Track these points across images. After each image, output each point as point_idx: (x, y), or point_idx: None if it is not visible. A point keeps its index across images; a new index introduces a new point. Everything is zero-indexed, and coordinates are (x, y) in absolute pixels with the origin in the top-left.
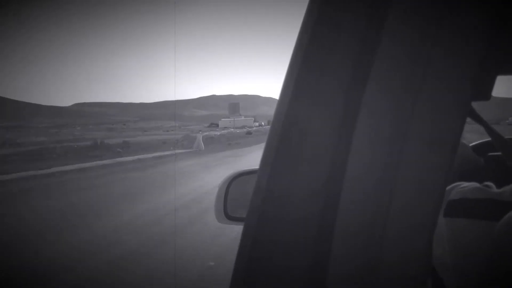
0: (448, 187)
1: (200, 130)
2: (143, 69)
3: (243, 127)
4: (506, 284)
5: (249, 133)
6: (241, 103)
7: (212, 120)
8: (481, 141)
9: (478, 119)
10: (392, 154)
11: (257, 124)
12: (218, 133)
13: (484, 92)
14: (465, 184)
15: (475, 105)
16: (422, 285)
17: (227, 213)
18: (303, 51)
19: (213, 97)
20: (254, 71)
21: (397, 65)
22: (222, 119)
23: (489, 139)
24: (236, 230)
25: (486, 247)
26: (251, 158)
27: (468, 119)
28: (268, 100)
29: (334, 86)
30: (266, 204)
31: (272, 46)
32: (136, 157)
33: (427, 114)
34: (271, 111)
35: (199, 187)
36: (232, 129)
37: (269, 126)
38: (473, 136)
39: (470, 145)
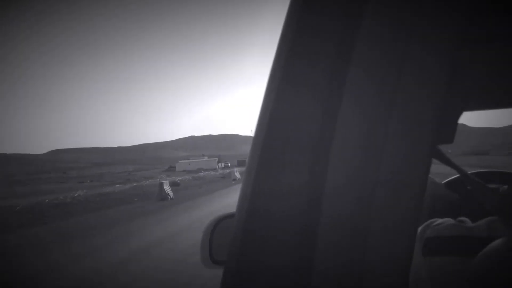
0: (424, 224)
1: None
2: (121, 112)
3: (199, 170)
4: None
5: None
6: (220, 143)
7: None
8: (454, 177)
9: (444, 160)
10: (363, 198)
11: (222, 165)
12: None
13: (448, 135)
14: (439, 220)
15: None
16: None
17: (213, 258)
18: (282, 65)
19: (192, 138)
20: (232, 110)
21: (362, 118)
22: (180, 161)
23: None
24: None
25: (462, 285)
26: None
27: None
28: (248, 138)
29: (311, 101)
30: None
31: (249, 84)
32: None
33: (394, 160)
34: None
35: None
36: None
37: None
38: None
39: (443, 182)
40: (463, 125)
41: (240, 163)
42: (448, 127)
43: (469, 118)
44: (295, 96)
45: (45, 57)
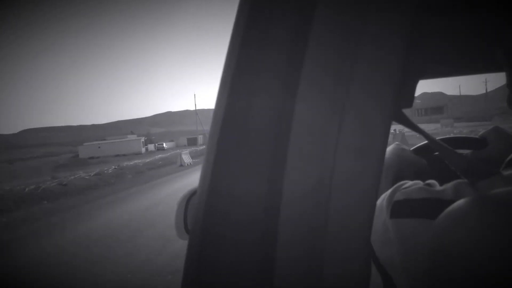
0: (393, 187)
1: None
2: (94, 89)
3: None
4: (444, 278)
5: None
6: (199, 117)
7: (168, 136)
8: (422, 143)
9: (409, 124)
10: (325, 161)
11: (152, 147)
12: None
13: (407, 99)
14: (408, 183)
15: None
16: (364, 279)
17: (188, 228)
18: (235, 61)
19: (168, 113)
20: (209, 84)
21: (323, 79)
22: (85, 144)
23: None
24: None
25: (426, 244)
26: None
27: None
28: None
29: (265, 100)
30: (211, 203)
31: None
32: None
33: (353, 125)
34: None
35: None
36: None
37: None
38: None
39: (412, 148)
40: (441, 93)
41: (191, 142)
42: (406, 93)
43: (446, 87)
44: (248, 102)
45: (11, 32)
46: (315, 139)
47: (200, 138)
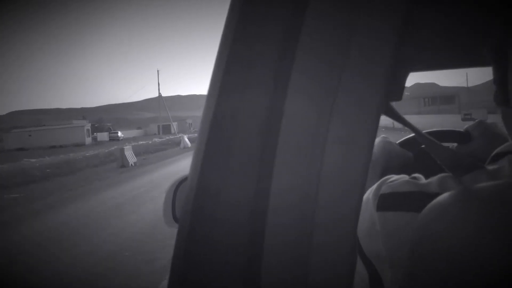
0: (379, 181)
1: None
2: (84, 72)
3: None
4: (425, 271)
5: None
6: (188, 104)
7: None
8: (408, 136)
9: (396, 117)
10: (314, 154)
11: (106, 136)
12: None
13: (397, 92)
14: (394, 177)
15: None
16: (350, 271)
17: (176, 217)
18: (223, 66)
19: (159, 98)
20: (201, 69)
21: (314, 70)
22: (13, 131)
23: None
24: None
25: (409, 237)
26: None
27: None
28: None
29: (256, 91)
30: (198, 203)
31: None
32: None
33: (343, 115)
34: None
35: None
36: None
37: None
38: None
39: (398, 141)
40: (434, 84)
41: (164, 130)
42: (396, 86)
43: (439, 78)
44: (238, 93)
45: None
46: (304, 134)
47: (175, 126)
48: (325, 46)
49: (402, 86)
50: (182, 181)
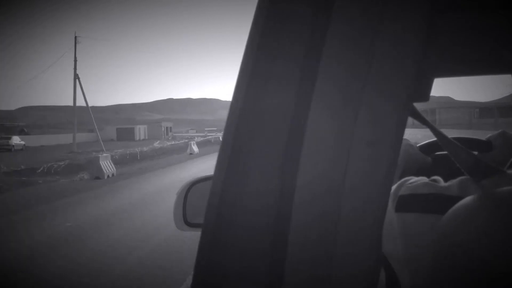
0: (398, 183)
1: None
2: (97, 71)
3: None
4: (450, 274)
5: None
6: (199, 107)
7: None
8: (428, 141)
9: (421, 119)
10: (339, 155)
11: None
12: None
13: (423, 93)
14: (414, 179)
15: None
16: (374, 276)
17: (187, 220)
18: (251, 64)
19: (170, 100)
20: (214, 73)
21: (340, 72)
22: None
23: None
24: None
25: (433, 239)
26: None
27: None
28: (229, 104)
29: (282, 93)
30: (222, 209)
31: (233, 47)
32: None
33: (369, 117)
34: None
35: None
36: None
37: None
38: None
39: (418, 145)
40: (449, 97)
41: (124, 135)
42: (423, 87)
43: (454, 92)
44: (265, 94)
45: (16, 10)
46: (329, 135)
47: (140, 130)
48: (351, 45)
49: (428, 89)
50: (193, 184)
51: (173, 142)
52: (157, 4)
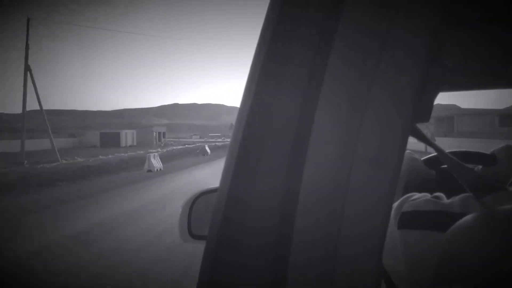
0: (401, 199)
1: None
2: (102, 75)
3: None
4: None
5: None
6: (204, 112)
7: (172, 129)
8: (432, 154)
9: (421, 137)
10: (341, 173)
11: None
12: None
13: (424, 114)
14: (416, 195)
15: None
16: (375, 281)
17: (192, 232)
18: (261, 65)
19: (175, 105)
20: (219, 78)
21: (347, 76)
22: None
23: None
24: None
25: (436, 256)
26: None
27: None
28: (234, 109)
29: (290, 96)
30: (228, 209)
31: (240, 52)
32: None
33: (372, 136)
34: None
35: None
36: None
37: None
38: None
39: (422, 159)
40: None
41: (109, 141)
42: (424, 107)
43: (462, 100)
44: (273, 97)
45: (21, 9)
46: (334, 144)
47: (127, 136)
48: (359, 50)
49: (430, 107)
50: (198, 196)
51: (158, 150)
52: (164, 7)
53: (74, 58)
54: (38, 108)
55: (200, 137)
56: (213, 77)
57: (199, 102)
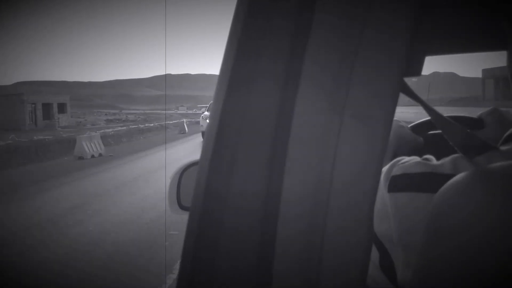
0: (391, 163)
1: None
2: (93, 45)
3: None
4: (442, 252)
5: None
6: (197, 83)
7: (166, 101)
8: (420, 120)
9: (413, 96)
10: (330, 131)
11: None
12: None
13: (415, 68)
14: (406, 158)
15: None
16: (364, 264)
17: (180, 203)
18: (235, 49)
19: (168, 76)
20: (213, 48)
21: (330, 45)
22: None
23: (429, 118)
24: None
25: (426, 217)
26: None
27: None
28: None
29: (267, 68)
30: (207, 208)
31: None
32: None
33: (361, 92)
34: None
35: None
36: None
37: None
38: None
39: (410, 125)
40: (453, 73)
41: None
42: (415, 61)
43: (458, 68)
44: (247, 91)
45: None
46: (321, 101)
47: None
48: (340, 19)
49: (421, 62)
50: (187, 167)
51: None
52: None
53: (64, 27)
54: (25, 80)
55: (187, 109)
56: (207, 46)
57: (193, 72)
